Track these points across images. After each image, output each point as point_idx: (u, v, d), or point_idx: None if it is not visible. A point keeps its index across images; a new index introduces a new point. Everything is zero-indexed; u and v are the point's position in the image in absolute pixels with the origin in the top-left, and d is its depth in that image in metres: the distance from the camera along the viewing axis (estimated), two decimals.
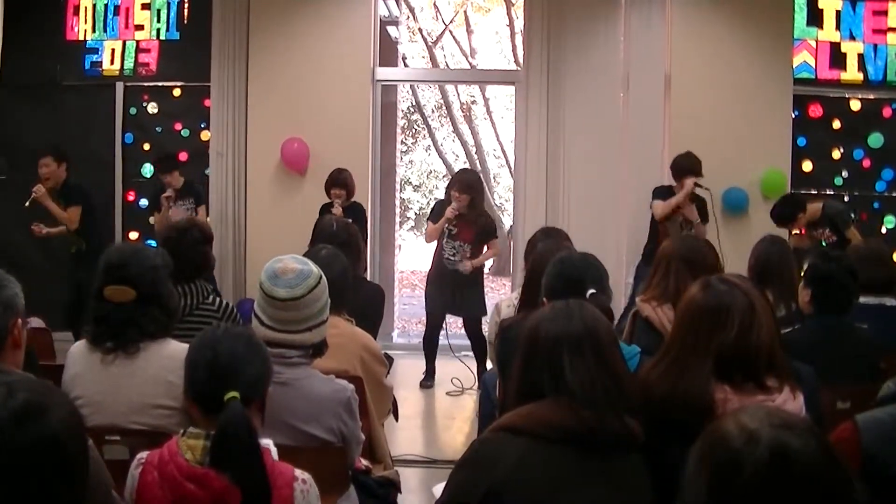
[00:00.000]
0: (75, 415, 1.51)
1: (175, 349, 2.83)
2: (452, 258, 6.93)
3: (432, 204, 8.26)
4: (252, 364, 2.25)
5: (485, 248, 7.01)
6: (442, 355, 7.28)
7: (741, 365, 2.33)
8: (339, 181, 7.14)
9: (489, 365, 5.51)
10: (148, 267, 2.91)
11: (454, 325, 8.38)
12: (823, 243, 6.83)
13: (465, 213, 6.84)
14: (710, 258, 3.58)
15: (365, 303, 4.23)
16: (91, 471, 1.64)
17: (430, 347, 7.22)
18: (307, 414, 2.79)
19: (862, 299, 3.84)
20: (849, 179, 8.04)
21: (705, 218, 7.07)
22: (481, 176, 7.35)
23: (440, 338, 7.24)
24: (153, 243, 6.52)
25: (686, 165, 6.98)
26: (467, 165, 17.30)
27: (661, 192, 7.05)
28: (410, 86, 16.29)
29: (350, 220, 6.87)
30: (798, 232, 6.90)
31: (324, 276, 2.85)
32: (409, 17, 15.49)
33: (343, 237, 4.31)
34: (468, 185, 6.90)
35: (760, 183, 7.80)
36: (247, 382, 2.19)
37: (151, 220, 7.83)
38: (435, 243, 7.14)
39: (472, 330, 7.04)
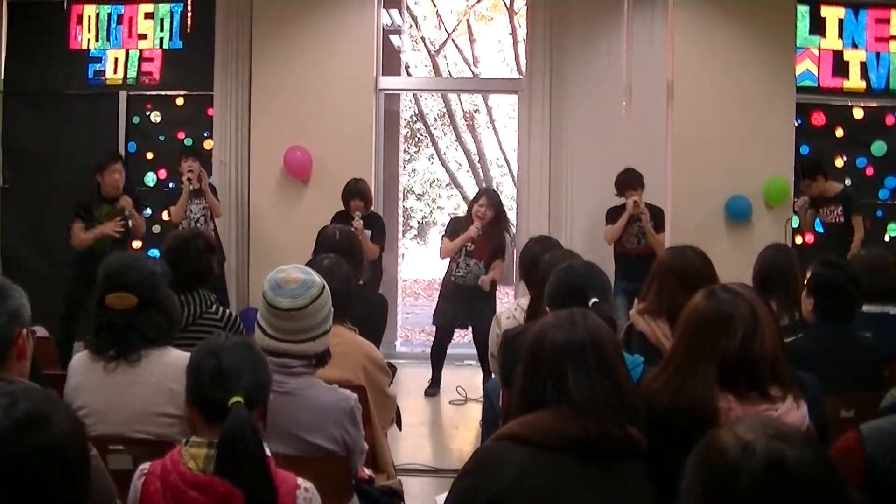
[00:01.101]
0: (78, 424, 1.51)
1: (176, 357, 2.84)
2: (465, 275, 6.97)
3: (435, 212, 8.30)
4: (255, 371, 2.26)
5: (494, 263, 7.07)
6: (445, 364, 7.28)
7: (744, 374, 2.32)
8: (357, 191, 7.13)
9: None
10: (147, 274, 2.94)
11: (457, 334, 8.37)
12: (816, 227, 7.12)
13: (487, 231, 6.91)
14: (702, 270, 3.54)
15: (368, 312, 4.23)
16: (94, 480, 1.64)
17: (438, 356, 7.22)
18: (310, 423, 2.78)
19: (865, 308, 3.84)
20: (852, 187, 8.02)
21: (660, 227, 7.09)
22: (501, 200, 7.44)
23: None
24: (156, 253, 6.53)
25: (624, 181, 7.08)
26: (470, 174, 17.34)
27: (613, 214, 7.16)
28: (413, 95, 16.33)
29: (370, 232, 6.97)
30: (806, 197, 7.17)
31: (327, 286, 2.86)
32: (411, 26, 15.54)
33: (346, 246, 4.31)
34: (497, 202, 7.06)
35: (764, 191, 7.80)
36: (250, 389, 2.20)
37: (165, 215, 7.74)
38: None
39: (482, 341, 7.05)
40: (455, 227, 7.07)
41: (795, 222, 7.78)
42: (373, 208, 7.41)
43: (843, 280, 3.62)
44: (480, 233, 6.86)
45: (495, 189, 7.45)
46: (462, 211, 7.02)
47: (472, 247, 6.94)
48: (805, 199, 7.23)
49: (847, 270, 3.70)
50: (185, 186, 7.26)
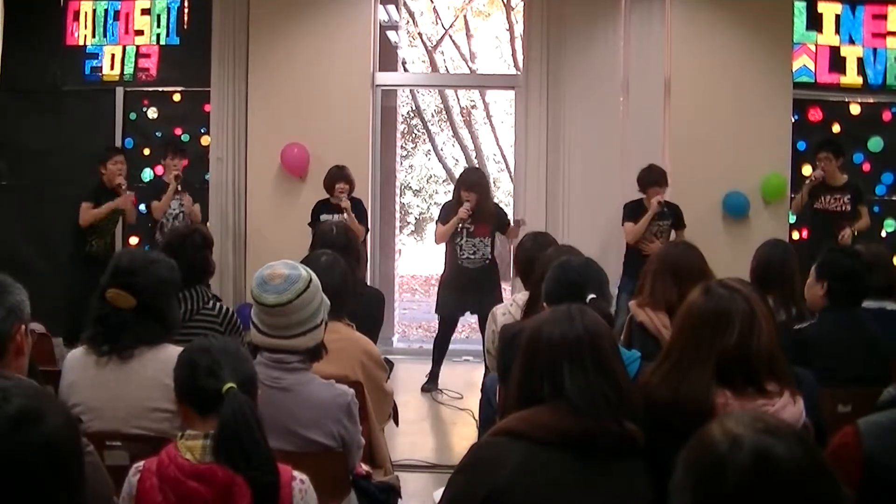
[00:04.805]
0: (71, 420, 1.50)
1: (172, 352, 2.80)
2: (473, 256, 6.94)
3: (432, 208, 8.32)
4: (243, 366, 2.28)
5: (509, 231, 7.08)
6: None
7: (741, 369, 2.32)
8: (342, 176, 7.11)
9: None
10: (155, 280, 2.93)
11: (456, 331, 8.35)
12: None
13: (479, 210, 6.88)
14: (696, 265, 3.61)
15: (365, 308, 4.22)
16: (91, 477, 1.63)
17: (440, 350, 7.17)
18: (307, 419, 2.79)
19: (864, 303, 3.86)
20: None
21: (681, 225, 7.08)
22: (484, 172, 7.42)
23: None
24: (146, 248, 6.50)
25: (648, 178, 7.01)
26: None
27: (632, 209, 7.08)
28: (410, 90, 16.30)
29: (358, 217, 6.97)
30: (818, 174, 7.14)
31: (314, 280, 2.84)
32: (408, 21, 15.51)
33: (343, 242, 4.30)
34: (475, 183, 6.98)
35: (761, 187, 7.80)
36: (241, 379, 2.21)
37: (143, 207, 7.72)
38: (444, 246, 7.11)
39: None
40: (447, 212, 7.04)
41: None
42: (369, 205, 7.40)
43: (858, 265, 3.76)
44: (471, 212, 6.83)
45: (474, 168, 7.44)
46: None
47: (472, 227, 6.93)
48: (820, 174, 7.13)
49: (860, 258, 3.84)
50: (172, 183, 7.26)
